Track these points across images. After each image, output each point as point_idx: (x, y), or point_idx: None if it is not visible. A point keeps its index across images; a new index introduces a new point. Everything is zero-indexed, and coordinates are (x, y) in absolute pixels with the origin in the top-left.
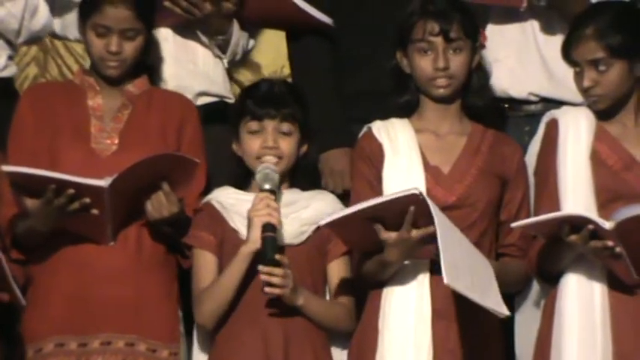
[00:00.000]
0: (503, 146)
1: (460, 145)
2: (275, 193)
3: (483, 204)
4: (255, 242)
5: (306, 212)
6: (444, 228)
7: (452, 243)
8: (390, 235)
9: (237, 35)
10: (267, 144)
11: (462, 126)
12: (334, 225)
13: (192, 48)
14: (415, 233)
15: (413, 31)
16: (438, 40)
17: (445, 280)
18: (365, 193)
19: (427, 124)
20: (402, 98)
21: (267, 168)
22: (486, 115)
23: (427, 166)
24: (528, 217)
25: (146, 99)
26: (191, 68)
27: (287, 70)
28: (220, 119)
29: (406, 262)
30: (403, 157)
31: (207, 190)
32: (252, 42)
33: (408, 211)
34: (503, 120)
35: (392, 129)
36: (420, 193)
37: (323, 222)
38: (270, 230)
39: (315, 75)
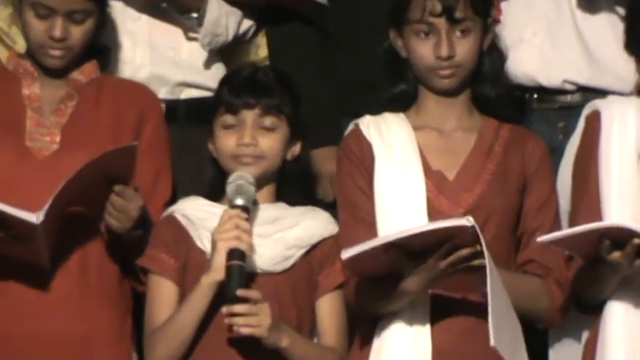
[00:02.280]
0: (522, 143)
1: (469, 144)
2: (248, 210)
3: (499, 217)
4: (218, 271)
5: (292, 232)
6: (493, 273)
7: (499, 294)
8: (416, 262)
9: (216, 12)
10: (244, 140)
11: (472, 121)
12: (356, 258)
13: (173, 31)
14: (444, 263)
15: (409, 9)
16: (441, 22)
17: (492, 342)
18: (359, 202)
19: (428, 120)
20: (397, 88)
21: (241, 178)
22: (501, 108)
23: (428, 171)
24: (555, 228)
25: (96, 88)
26: (170, 55)
27: (263, 53)
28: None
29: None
30: (398, 160)
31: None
32: (248, 24)
33: (449, 241)
34: (525, 114)
35: (384, 125)
36: (473, 226)
37: (345, 255)
38: (238, 257)
39: (297, 60)
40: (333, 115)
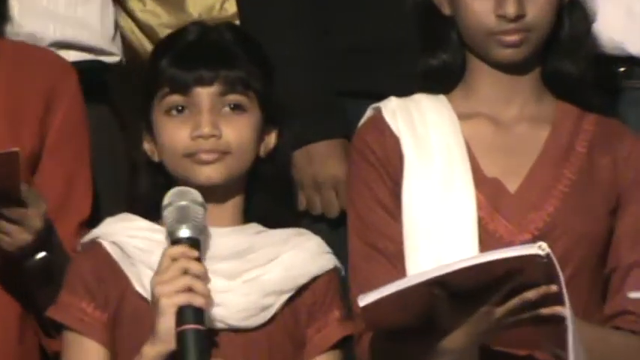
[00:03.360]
0: (614, 142)
1: (538, 141)
2: (198, 244)
3: (580, 247)
4: (165, 341)
5: (272, 271)
6: (574, 328)
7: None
8: (463, 310)
9: None
10: (201, 130)
11: (543, 108)
12: (378, 305)
13: None
14: (503, 309)
15: None
16: None
17: None
18: (379, 223)
19: (480, 105)
20: (436, 59)
21: (184, 196)
22: (586, 91)
23: (480, 180)
24: None
25: None
26: (43, 3)
27: (231, 8)
28: (96, 94)
29: None
30: (437, 162)
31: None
32: None
33: (512, 279)
34: (616, 96)
35: (417, 112)
36: (548, 255)
37: (364, 300)
38: (192, 319)
39: (279, 17)
40: (328, 97)
